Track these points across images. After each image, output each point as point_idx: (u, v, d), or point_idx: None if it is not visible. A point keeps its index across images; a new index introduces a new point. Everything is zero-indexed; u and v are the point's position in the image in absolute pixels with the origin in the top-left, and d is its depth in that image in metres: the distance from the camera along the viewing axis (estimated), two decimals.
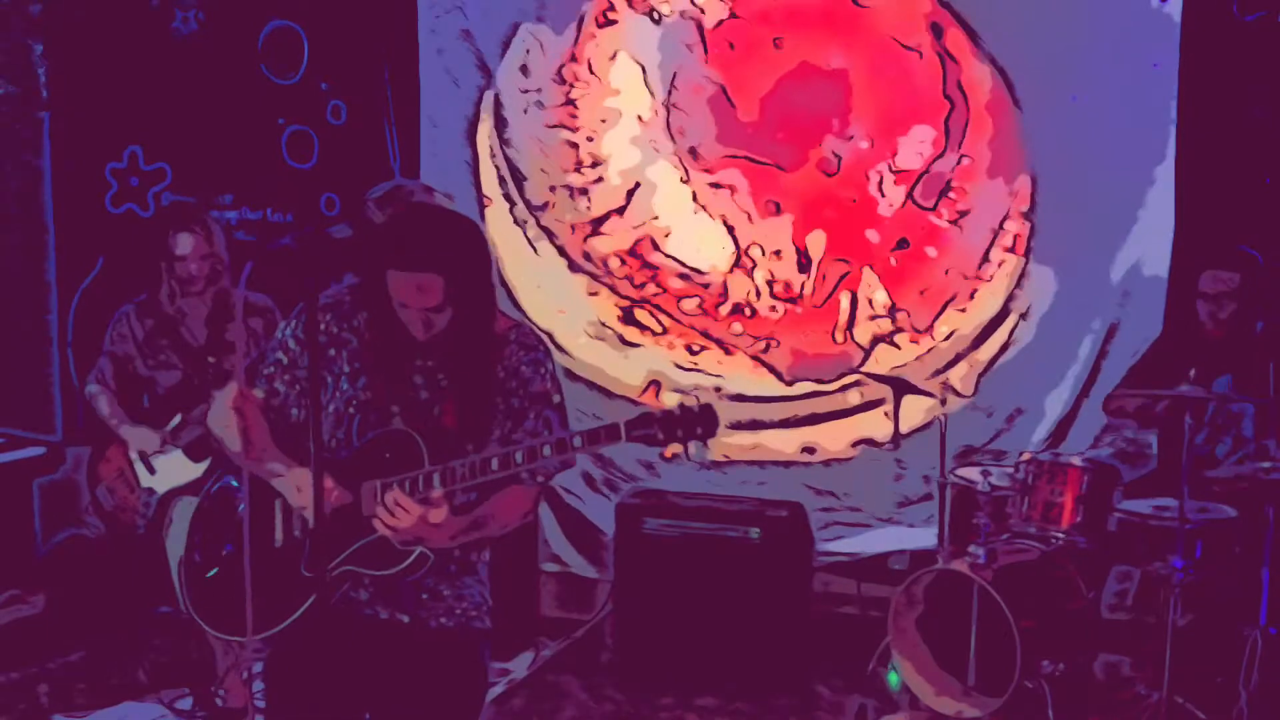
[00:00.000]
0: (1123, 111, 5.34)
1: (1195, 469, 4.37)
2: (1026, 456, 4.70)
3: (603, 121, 5.93)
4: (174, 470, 4.51)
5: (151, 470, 4.54)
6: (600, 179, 5.96)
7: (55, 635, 5.28)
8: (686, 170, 5.82)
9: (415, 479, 2.75)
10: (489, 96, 6.03)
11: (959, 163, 5.54)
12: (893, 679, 4.56)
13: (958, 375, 5.62)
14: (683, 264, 5.87)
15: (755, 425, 5.83)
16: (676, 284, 5.90)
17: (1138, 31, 5.30)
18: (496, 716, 4.77)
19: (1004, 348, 5.61)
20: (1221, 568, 4.46)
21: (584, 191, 5.98)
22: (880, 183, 5.62)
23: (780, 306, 5.79)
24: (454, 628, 2.94)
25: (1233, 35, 5.13)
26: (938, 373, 5.62)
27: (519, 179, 6.04)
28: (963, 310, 5.63)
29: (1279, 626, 4.43)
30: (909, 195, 5.59)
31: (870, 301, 5.70)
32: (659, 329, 5.95)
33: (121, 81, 5.78)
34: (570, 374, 5.89)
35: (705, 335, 5.88)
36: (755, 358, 5.83)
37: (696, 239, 5.85)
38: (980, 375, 5.63)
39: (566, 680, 5.11)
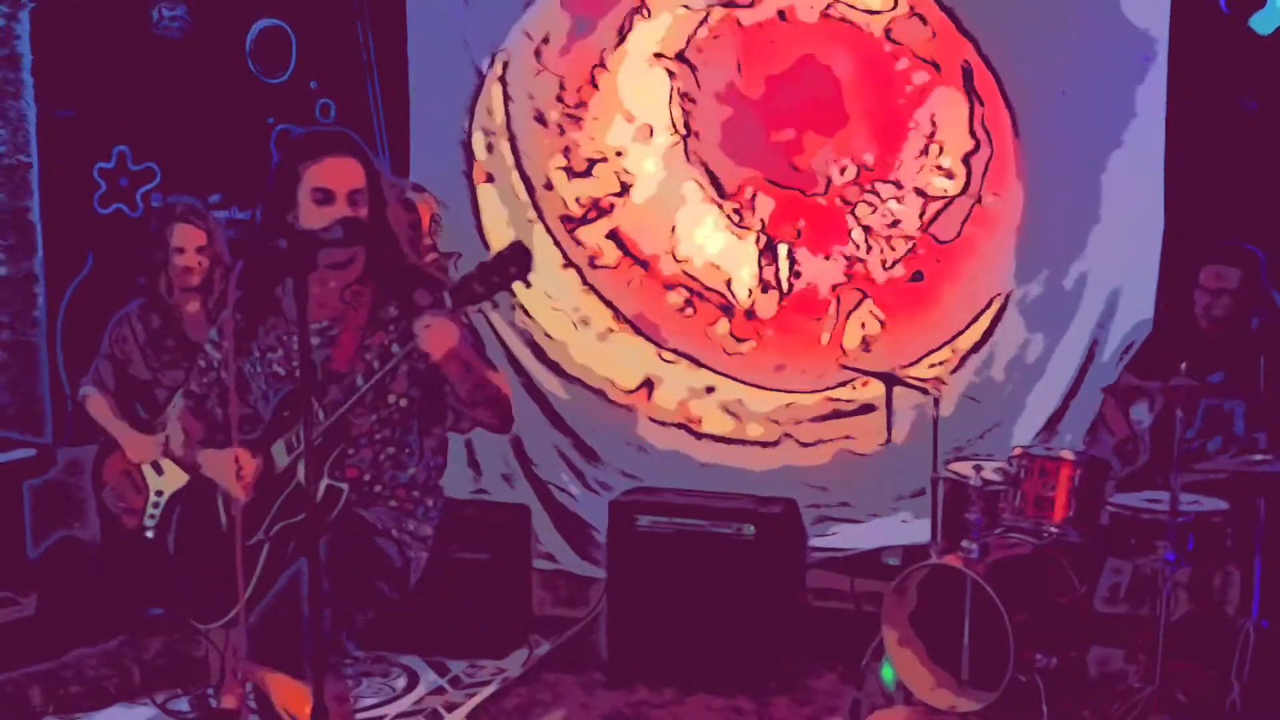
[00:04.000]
0: (1110, 105, 5.35)
1: (1185, 463, 4.37)
2: (1018, 450, 4.71)
3: (595, 120, 5.92)
4: (183, 471, 4.45)
5: (159, 471, 4.49)
6: (609, 171, 5.97)
7: (47, 637, 5.25)
8: (702, 186, 5.83)
9: (308, 422, 2.84)
10: (483, 94, 6.01)
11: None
12: (887, 674, 4.56)
13: (947, 372, 5.63)
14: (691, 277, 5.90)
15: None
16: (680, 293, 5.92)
17: (1126, 25, 5.31)
18: (491, 715, 4.77)
19: (992, 344, 5.62)
20: (1213, 561, 4.47)
21: (581, 174, 5.97)
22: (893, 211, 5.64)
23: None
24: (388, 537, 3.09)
25: (1221, 29, 5.13)
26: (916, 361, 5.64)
27: (521, 177, 6.03)
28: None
29: (1271, 619, 4.44)
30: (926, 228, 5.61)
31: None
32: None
33: (110, 81, 5.76)
34: (567, 375, 6.01)
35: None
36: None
37: (711, 253, 5.88)
38: (971, 371, 5.64)
39: (560, 678, 5.10)
